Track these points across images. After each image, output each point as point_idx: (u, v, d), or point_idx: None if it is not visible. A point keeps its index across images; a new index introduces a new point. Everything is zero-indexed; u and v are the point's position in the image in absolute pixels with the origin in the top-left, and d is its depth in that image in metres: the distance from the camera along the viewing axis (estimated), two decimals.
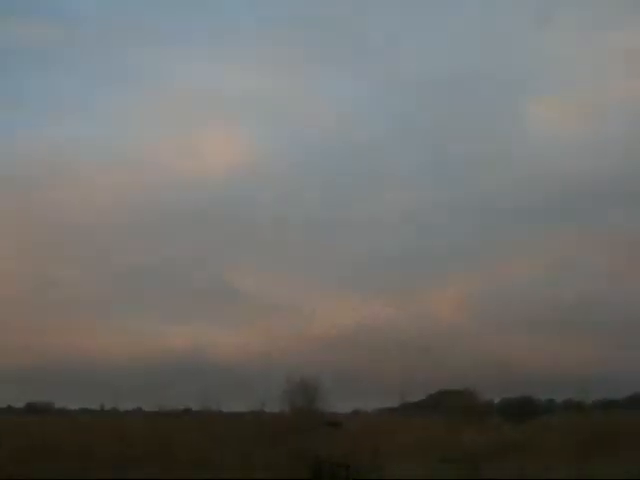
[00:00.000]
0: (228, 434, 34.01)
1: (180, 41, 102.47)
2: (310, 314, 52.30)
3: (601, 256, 67.40)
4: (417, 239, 67.08)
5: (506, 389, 51.00)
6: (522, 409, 48.96)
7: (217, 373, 49.99)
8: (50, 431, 33.02)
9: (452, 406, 43.39)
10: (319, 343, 50.99)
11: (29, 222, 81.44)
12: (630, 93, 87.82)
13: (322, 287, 53.15)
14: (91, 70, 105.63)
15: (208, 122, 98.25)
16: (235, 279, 54.05)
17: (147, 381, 51.44)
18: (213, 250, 66.45)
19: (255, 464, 27.13)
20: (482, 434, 34.34)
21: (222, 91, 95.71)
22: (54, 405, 60.00)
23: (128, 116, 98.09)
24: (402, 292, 51.84)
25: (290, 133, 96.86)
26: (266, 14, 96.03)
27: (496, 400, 53.05)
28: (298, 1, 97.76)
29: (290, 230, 74.26)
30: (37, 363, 51.96)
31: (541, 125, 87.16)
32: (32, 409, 58.79)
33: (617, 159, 76.04)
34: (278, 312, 52.44)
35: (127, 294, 53.46)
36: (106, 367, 52.23)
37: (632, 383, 47.08)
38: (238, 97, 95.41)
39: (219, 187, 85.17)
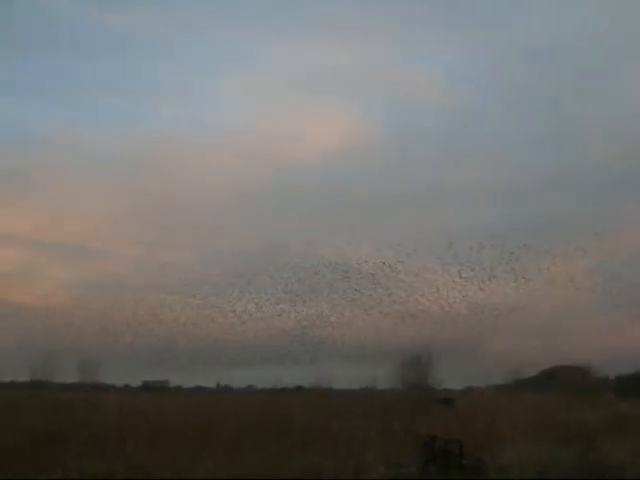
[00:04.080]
0: (340, 411, 34.23)
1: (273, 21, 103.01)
2: (422, 291, 52.00)
3: None
4: (524, 212, 65.72)
5: (622, 365, 49.91)
6: (638, 385, 47.86)
7: (329, 351, 50.28)
8: (167, 412, 33.81)
9: (567, 382, 42.73)
10: (432, 320, 50.73)
11: (140, 206, 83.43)
12: None
13: (434, 264, 52.63)
14: (187, 54, 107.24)
15: (305, 101, 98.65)
16: (344, 257, 54.07)
17: (260, 360, 52.14)
18: (320, 229, 66.60)
19: (368, 440, 27.19)
20: (598, 411, 33.72)
21: (317, 67, 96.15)
22: (169, 383, 61.48)
23: (228, 98, 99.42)
24: (515, 267, 50.87)
25: (388, 106, 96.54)
26: None
27: (612, 376, 52.01)
28: None
29: (393, 206, 73.97)
30: (152, 343, 53.13)
31: None
32: (148, 387, 60.31)
33: None
34: (388, 289, 52.22)
35: (236, 276, 54.04)
36: (220, 347, 53.10)
37: None
38: (334, 73, 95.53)
39: (319, 166, 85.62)
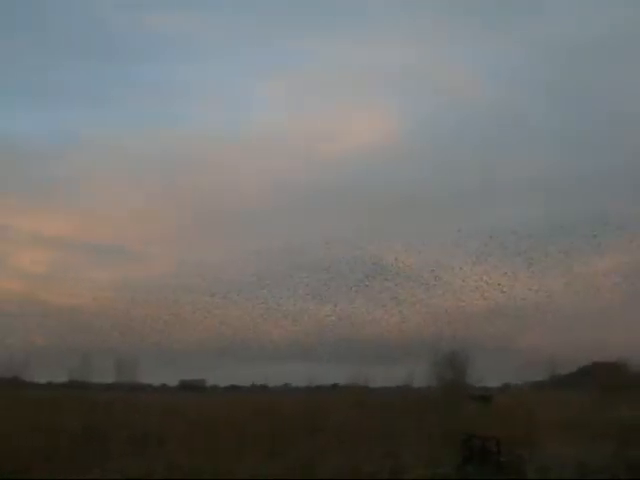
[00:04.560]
0: (377, 408, 34.24)
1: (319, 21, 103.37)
2: (457, 288, 51.74)
3: None
4: (563, 207, 65.09)
5: None
6: None
7: (364, 349, 50.22)
8: (205, 411, 34.00)
9: (604, 378, 42.38)
10: (467, 316, 50.47)
11: (174, 206, 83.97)
12: None
13: (468, 260, 52.33)
14: (226, 55, 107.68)
15: (348, 102, 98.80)
16: (380, 255, 53.93)
17: (295, 357, 52.21)
18: (357, 229, 66.28)
19: (404, 438, 27.21)
20: (636, 408, 33.43)
21: (355, 67, 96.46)
22: (206, 383, 61.75)
23: (264, 98, 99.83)
24: (551, 263, 50.49)
25: (426, 106, 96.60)
26: None
27: None
28: None
29: (430, 204, 73.80)
30: (187, 342, 53.37)
31: None
32: (185, 387, 60.63)
33: None
34: (424, 287, 51.99)
35: (273, 274, 54.16)
36: (254, 345, 53.19)
37: None
38: (372, 72, 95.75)
39: (357, 166, 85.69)
